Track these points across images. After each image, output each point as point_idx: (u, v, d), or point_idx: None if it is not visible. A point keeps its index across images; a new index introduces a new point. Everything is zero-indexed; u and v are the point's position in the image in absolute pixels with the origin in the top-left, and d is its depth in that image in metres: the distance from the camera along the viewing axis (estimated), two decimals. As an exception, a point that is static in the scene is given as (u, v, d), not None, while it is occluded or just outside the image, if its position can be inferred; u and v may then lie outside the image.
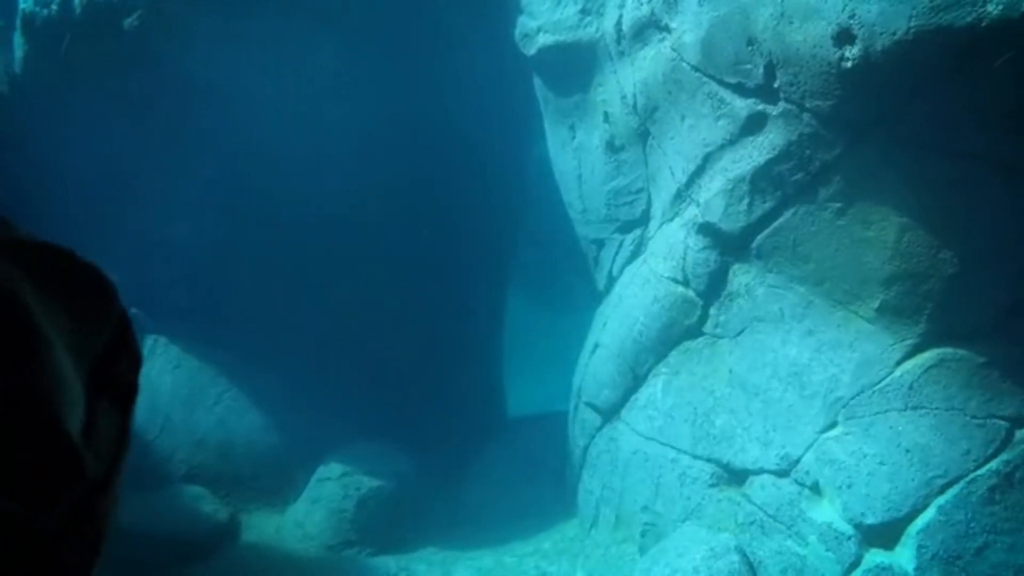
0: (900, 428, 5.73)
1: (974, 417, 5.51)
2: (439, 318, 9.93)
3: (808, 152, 5.88)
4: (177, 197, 9.26)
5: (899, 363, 5.83)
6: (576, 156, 8.71)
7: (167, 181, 9.23)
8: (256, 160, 9.11)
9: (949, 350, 5.65)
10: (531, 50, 8.63)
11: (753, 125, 6.23)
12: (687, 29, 6.59)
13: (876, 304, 5.88)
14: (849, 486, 5.81)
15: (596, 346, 8.13)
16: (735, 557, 6.15)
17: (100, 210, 9.57)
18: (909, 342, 5.80)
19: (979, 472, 5.42)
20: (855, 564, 5.71)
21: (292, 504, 9.10)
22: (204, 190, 9.18)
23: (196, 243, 9.29)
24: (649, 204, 7.94)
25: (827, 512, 5.92)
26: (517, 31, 8.74)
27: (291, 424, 9.46)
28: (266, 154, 9.12)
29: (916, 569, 5.44)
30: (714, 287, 6.87)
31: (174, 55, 8.64)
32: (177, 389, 9.61)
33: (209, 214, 9.27)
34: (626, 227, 8.25)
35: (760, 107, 6.11)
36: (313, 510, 8.85)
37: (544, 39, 8.43)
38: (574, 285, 9.80)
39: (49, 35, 8.87)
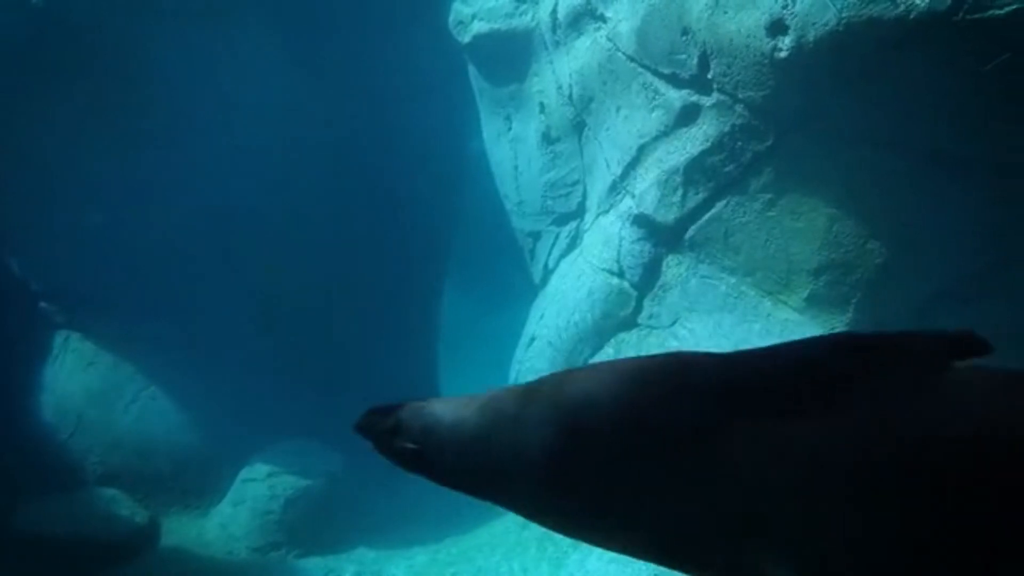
0: (829, 416, 5.82)
1: (899, 404, 5.63)
2: (371, 311, 9.70)
3: (740, 143, 5.92)
4: (92, 186, 8.78)
5: (828, 352, 5.92)
6: (512, 147, 8.62)
7: (81, 169, 8.73)
8: (178, 147, 8.70)
9: (875, 339, 5.76)
10: (465, 38, 8.50)
11: (687, 116, 6.24)
12: (623, 18, 6.56)
13: (805, 294, 5.96)
14: (780, 474, 5.87)
15: (532, 339, 8.05)
16: (669, 547, 6.16)
17: (10, 199, 9.01)
18: (837, 331, 5.89)
19: (904, 458, 5.53)
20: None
21: (216, 506, 8.74)
22: (122, 179, 8.72)
23: (111, 234, 8.82)
24: (585, 196, 7.91)
25: (759, 500, 5.97)
26: (451, 18, 8.60)
27: (214, 423, 9.08)
28: (189, 141, 8.72)
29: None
30: (648, 278, 6.87)
31: (90, 34, 8.17)
32: (91, 387, 9.11)
33: (126, 204, 8.81)
34: (562, 219, 8.20)
35: (694, 98, 6.12)
36: (238, 512, 8.52)
37: (478, 27, 8.31)
38: (510, 278, 9.71)
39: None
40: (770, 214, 5.98)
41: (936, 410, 1.36)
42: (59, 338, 9.42)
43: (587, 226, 7.76)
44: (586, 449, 1.55)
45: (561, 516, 1.69)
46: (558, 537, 7.18)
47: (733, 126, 5.88)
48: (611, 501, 1.54)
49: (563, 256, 8.14)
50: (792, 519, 1.36)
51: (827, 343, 1.51)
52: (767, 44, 5.27)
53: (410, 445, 1.78)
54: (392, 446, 1.82)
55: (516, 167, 8.64)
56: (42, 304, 9.43)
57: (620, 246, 7.02)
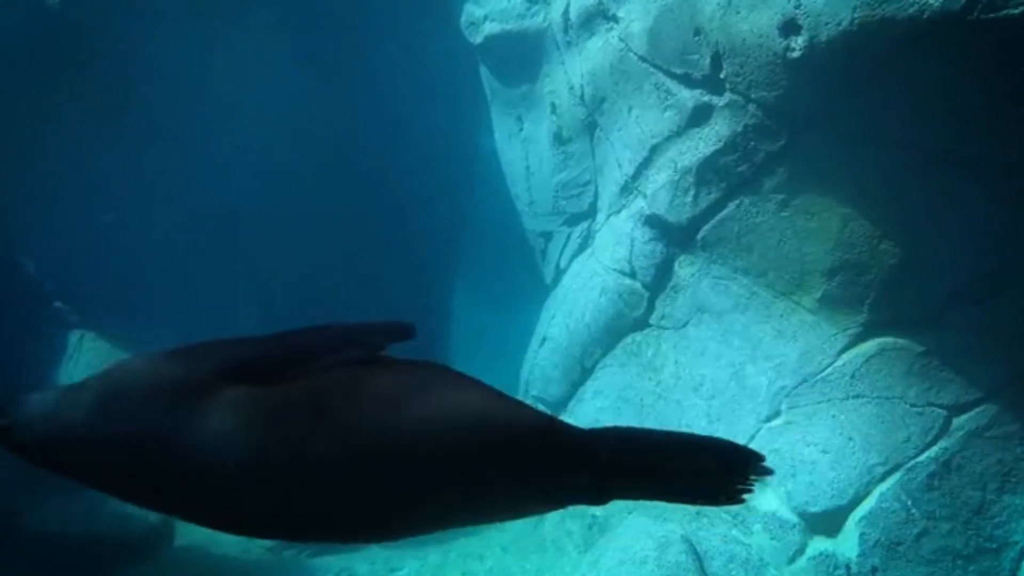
0: (842, 417, 5.80)
1: (913, 405, 5.60)
2: (380, 312, 9.72)
3: (753, 143, 5.91)
4: (103, 185, 8.85)
5: (841, 353, 5.90)
6: (524, 148, 8.64)
7: (91, 168, 8.81)
8: (187, 147, 8.76)
9: (889, 339, 5.74)
10: (477, 39, 8.53)
11: (699, 116, 6.23)
12: (635, 19, 6.57)
13: (818, 294, 5.94)
14: (793, 475, 5.85)
15: (544, 339, 8.06)
16: (682, 547, 6.14)
17: (22, 199, 9.10)
18: (851, 332, 5.87)
19: (919, 459, 5.52)
20: (799, 552, 5.76)
21: (229, 504, 8.78)
22: (132, 178, 8.80)
23: (124, 234, 8.89)
24: (596, 196, 7.91)
25: (771, 501, 5.96)
26: (463, 19, 8.63)
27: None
28: (199, 141, 8.78)
29: (859, 556, 5.51)
30: (660, 279, 6.87)
31: (96, 34, 8.23)
32: (106, 386, 9.17)
33: (138, 204, 8.88)
34: (574, 220, 8.21)
35: (706, 98, 6.11)
36: (251, 510, 8.56)
37: (490, 28, 8.33)
38: (522, 279, 9.73)
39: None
40: (783, 214, 5.97)
41: (353, 385, 1.76)
42: (74, 337, 9.50)
43: (599, 226, 7.76)
44: (113, 415, 1.78)
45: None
46: (575, 537, 7.19)
47: (746, 126, 5.87)
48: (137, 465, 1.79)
49: (575, 256, 8.15)
50: (267, 460, 1.72)
51: (314, 329, 1.89)
52: (780, 44, 5.26)
53: (2, 422, 1.93)
54: None
55: (528, 167, 8.65)
56: (56, 304, 9.52)
57: (632, 246, 7.02)
